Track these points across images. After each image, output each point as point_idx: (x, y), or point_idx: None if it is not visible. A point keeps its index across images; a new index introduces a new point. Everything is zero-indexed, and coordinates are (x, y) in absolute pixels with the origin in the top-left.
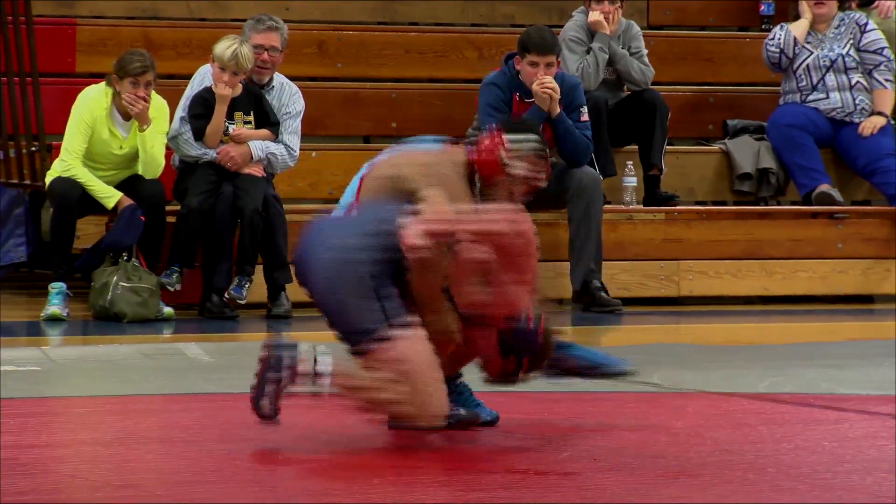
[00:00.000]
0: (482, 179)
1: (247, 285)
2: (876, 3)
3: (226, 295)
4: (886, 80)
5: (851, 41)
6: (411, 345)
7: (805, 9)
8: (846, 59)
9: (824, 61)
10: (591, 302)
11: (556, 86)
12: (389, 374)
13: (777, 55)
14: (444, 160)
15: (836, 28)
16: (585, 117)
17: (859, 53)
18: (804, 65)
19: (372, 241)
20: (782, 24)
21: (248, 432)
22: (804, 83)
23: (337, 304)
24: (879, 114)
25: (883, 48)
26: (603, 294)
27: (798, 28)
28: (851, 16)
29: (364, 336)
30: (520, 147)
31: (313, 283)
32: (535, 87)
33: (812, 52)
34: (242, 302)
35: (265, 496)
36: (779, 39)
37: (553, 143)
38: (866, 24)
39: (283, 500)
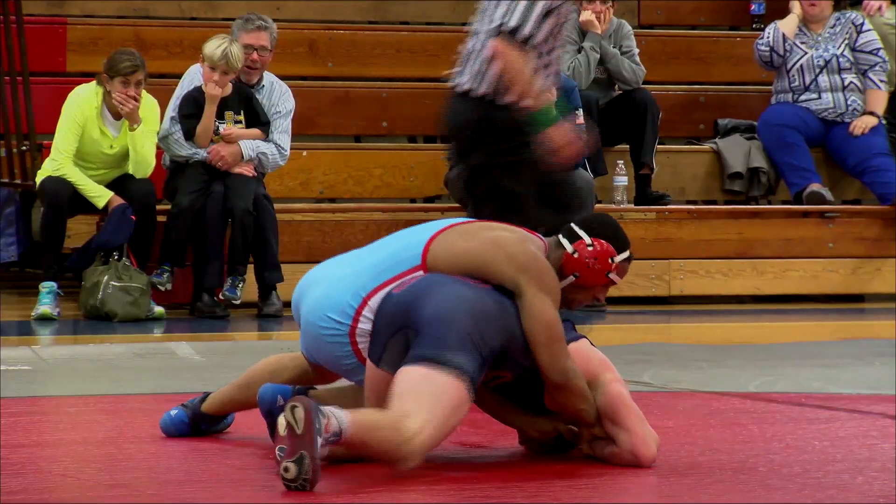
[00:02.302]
0: (574, 282)
1: (240, 285)
2: (864, 2)
3: (220, 296)
4: (880, 81)
5: (847, 41)
6: (460, 399)
7: (795, 5)
8: (840, 59)
9: (818, 61)
10: None
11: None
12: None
13: (768, 53)
14: (536, 250)
15: (832, 28)
16: (580, 120)
17: (854, 54)
18: (798, 65)
19: (499, 318)
20: (775, 23)
21: (238, 432)
22: (797, 83)
23: (442, 332)
24: (871, 114)
25: (878, 49)
26: None
27: (787, 25)
28: (847, 16)
29: (443, 364)
30: (623, 260)
31: (427, 306)
32: None
33: (806, 53)
34: (237, 302)
35: (256, 496)
36: (768, 38)
37: None
38: (862, 24)
39: (275, 499)
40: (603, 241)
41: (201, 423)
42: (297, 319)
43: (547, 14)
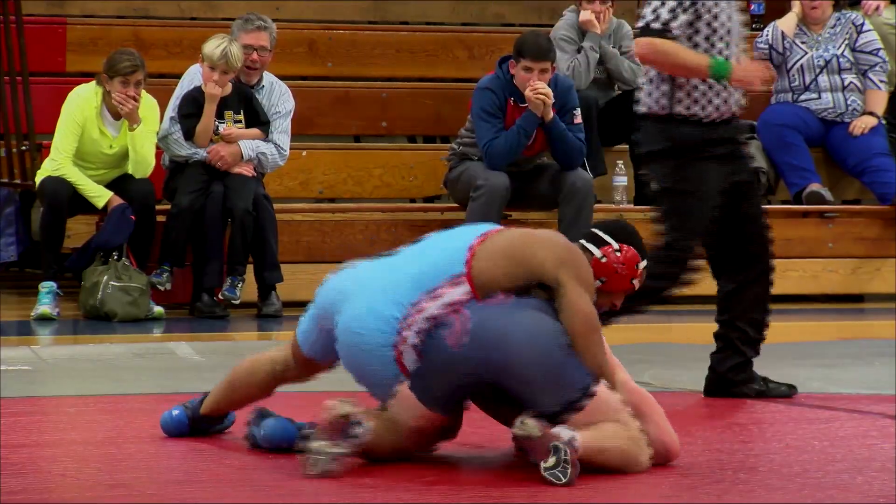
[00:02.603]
0: (599, 287)
1: (240, 285)
2: (863, 1)
3: (220, 296)
4: (881, 81)
5: (847, 42)
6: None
7: (795, 4)
8: (840, 59)
9: (818, 61)
10: None
11: (550, 92)
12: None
13: (767, 51)
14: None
15: (832, 28)
16: (579, 119)
17: (854, 54)
18: (798, 65)
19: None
20: (775, 23)
21: (238, 431)
22: (797, 83)
23: (546, 370)
24: (871, 114)
25: (878, 49)
26: None
27: (786, 23)
28: (847, 16)
29: (582, 392)
30: (644, 267)
31: (514, 354)
32: (528, 93)
33: (807, 53)
34: (237, 302)
35: (256, 496)
36: (768, 36)
37: (546, 146)
38: (863, 24)
39: (275, 499)
40: (630, 248)
41: (201, 424)
42: (326, 321)
43: (689, 8)
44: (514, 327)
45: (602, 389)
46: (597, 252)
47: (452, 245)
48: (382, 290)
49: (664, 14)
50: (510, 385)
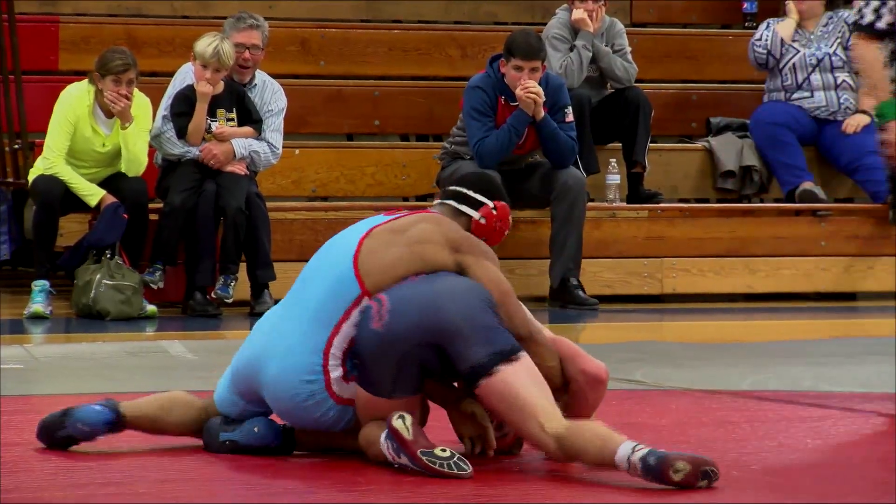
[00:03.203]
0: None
1: (232, 284)
2: (853, 1)
3: (212, 294)
4: None
5: (839, 40)
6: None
7: (791, 8)
8: (833, 58)
9: (811, 60)
10: (568, 300)
11: (541, 90)
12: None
13: (764, 56)
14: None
15: (825, 26)
16: (570, 118)
17: (847, 52)
18: (790, 63)
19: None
20: (769, 21)
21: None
22: (789, 82)
23: (472, 320)
24: (864, 112)
25: None
26: (580, 292)
27: (785, 28)
28: (840, 14)
29: (508, 353)
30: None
31: (440, 309)
32: (518, 91)
33: (799, 51)
34: (229, 301)
35: (248, 495)
36: (766, 40)
37: (537, 144)
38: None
39: (265, 499)
40: (500, 202)
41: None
42: (246, 387)
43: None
44: (434, 287)
45: (528, 363)
46: (475, 214)
47: (336, 270)
48: (292, 347)
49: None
50: (441, 342)
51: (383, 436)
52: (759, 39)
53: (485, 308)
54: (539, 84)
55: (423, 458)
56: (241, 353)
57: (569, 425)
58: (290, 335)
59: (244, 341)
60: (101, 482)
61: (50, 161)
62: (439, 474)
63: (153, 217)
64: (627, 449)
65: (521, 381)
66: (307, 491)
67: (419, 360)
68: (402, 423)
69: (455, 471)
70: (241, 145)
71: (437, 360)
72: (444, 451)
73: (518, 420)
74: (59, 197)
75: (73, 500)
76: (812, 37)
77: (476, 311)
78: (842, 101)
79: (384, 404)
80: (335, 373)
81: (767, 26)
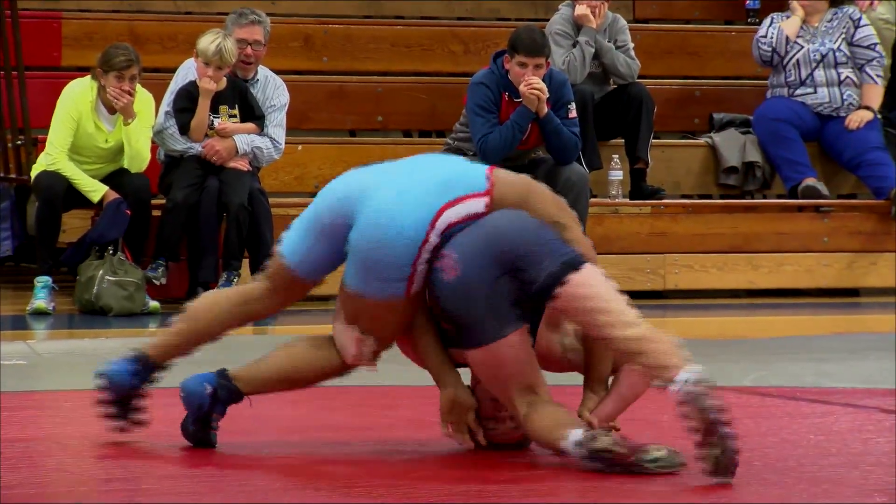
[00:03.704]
0: None
1: (235, 280)
2: None
3: (215, 290)
4: (877, 76)
5: (844, 36)
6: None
7: (796, 7)
8: (837, 54)
9: (815, 55)
10: None
11: (544, 87)
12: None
13: (769, 54)
14: None
15: (829, 22)
16: (573, 114)
17: (851, 48)
18: (794, 59)
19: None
20: (773, 16)
21: (233, 426)
22: (792, 78)
23: (536, 243)
24: (867, 108)
25: (875, 44)
26: None
27: (790, 26)
28: (845, 10)
29: (575, 262)
30: None
31: (507, 237)
32: (522, 87)
33: (803, 47)
34: None
35: (254, 492)
36: (771, 38)
37: (541, 140)
38: (860, 18)
39: (269, 494)
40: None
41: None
42: (335, 221)
43: None
44: (491, 222)
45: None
46: None
47: (466, 164)
48: (412, 182)
49: None
50: (515, 268)
51: (571, 444)
52: (765, 37)
53: (541, 225)
54: (543, 80)
55: (647, 465)
56: (331, 189)
57: (643, 333)
58: (407, 180)
59: (329, 187)
60: (104, 478)
61: (53, 157)
62: (656, 473)
63: (156, 213)
64: (685, 377)
65: (592, 287)
66: (306, 490)
67: (505, 293)
68: (611, 440)
69: (670, 468)
70: (243, 141)
71: (520, 287)
72: (659, 450)
73: (595, 329)
74: (61, 193)
75: (76, 497)
76: (816, 32)
77: (535, 228)
78: (845, 97)
79: (505, 348)
80: (432, 240)
81: (772, 23)
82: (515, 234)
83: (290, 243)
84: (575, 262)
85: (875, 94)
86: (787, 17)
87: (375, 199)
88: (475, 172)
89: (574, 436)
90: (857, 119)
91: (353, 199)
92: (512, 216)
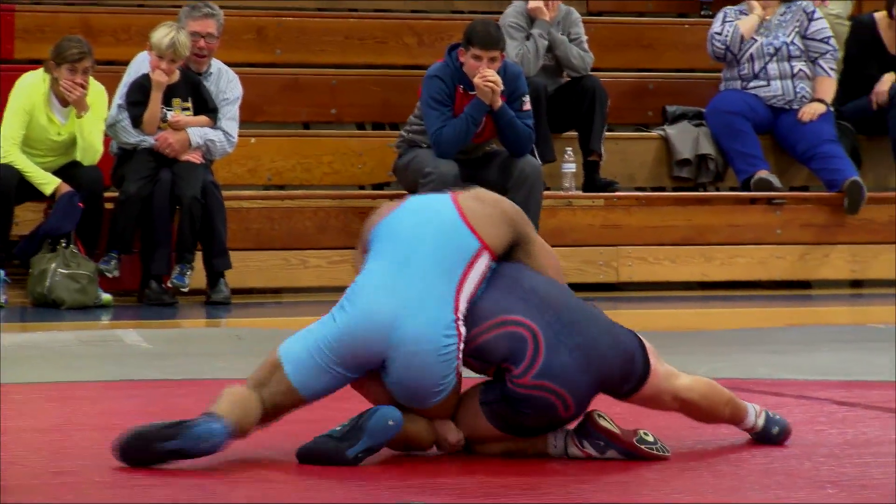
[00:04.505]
0: None
1: (188, 273)
2: None
3: (168, 283)
4: (830, 69)
5: (797, 29)
6: None
7: (754, 5)
8: (791, 47)
9: (768, 49)
10: None
11: (499, 79)
12: None
13: (723, 51)
14: None
15: (782, 15)
16: (528, 106)
17: (805, 41)
18: (748, 53)
19: None
20: (726, 10)
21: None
22: (746, 71)
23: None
24: (820, 101)
25: (829, 37)
26: None
27: (746, 25)
28: (798, 4)
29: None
30: None
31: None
32: (476, 80)
33: (756, 40)
34: (185, 290)
35: (203, 481)
36: (726, 35)
37: (495, 133)
38: (814, 12)
39: (220, 482)
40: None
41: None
42: (363, 352)
43: None
44: (595, 344)
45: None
46: None
47: (440, 222)
48: (424, 301)
49: None
50: (607, 386)
51: (558, 436)
52: (720, 34)
53: (613, 325)
54: (498, 73)
55: (641, 447)
56: (341, 319)
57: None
58: (417, 290)
59: (332, 315)
60: (55, 471)
61: (5, 150)
62: (649, 457)
63: (109, 206)
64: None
65: (660, 378)
66: (302, 489)
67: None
68: (606, 420)
69: (662, 453)
70: (196, 134)
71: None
72: (646, 434)
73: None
74: (13, 185)
75: (29, 488)
76: (769, 26)
77: (615, 335)
78: (798, 89)
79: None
80: (462, 330)
81: (725, 17)
82: (613, 354)
83: (305, 376)
84: (645, 369)
85: (828, 87)
86: (742, 11)
87: (399, 337)
88: (455, 230)
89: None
90: (809, 112)
91: (375, 342)
92: (598, 329)
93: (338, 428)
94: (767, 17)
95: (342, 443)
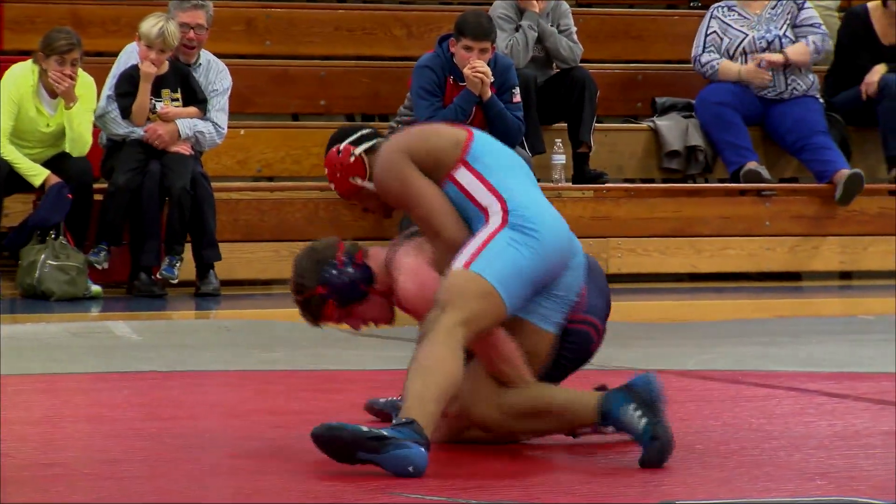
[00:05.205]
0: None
1: (178, 264)
2: None
3: (157, 275)
4: (815, 43)
5: (788, 21)
6: None
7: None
8: (783, 39)
9: (761, 42)
10: None
11: (488, 70)
12: None
13: (703, 75)
14: None
15: (773, 9)
16: (518, 98)
17: (795, 30)
18: (740, 48)
19: None
20: (714, 10)
21: (176, 411)
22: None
23: None
24: (784, 56)
25: (819, 23)
26: None
27: (728, 72)
28: None
29: None
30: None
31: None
32: (466, 71)
33: (747, 35)
34: (174, 281)
35: (192, 474)
36: (710, 68)
37: (485, 124)
38: (803, 2)
39: (207, 478)
40: (348, 146)
41: None
42: (554, 267)
43: None
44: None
45: None
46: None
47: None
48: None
49: None
50: None
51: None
52: (705, 65)
53: None
54: (488, 64)
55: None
56: (537, 245)
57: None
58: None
59: (514, 241)
60: (45, 463)
61: None
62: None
63: (98, 197)
64: None
65: None
66: (258, 470)
67: None
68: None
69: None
70: (185, 125)
71: None
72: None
73: None
74: (2, 177)
75: (18, 479)
76: (760, 20)
77: None
78: (789, 81)
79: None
80: None
81: (712, 14)
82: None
83: (517, 296)
84: None
85: (800, 52)
86: (730, 7)
87: (578, 249)
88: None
89: None
90: (768, 58)
91: (565, 257)
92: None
93: (371, 429)
94: (758, 12)
95: (364, 440)
